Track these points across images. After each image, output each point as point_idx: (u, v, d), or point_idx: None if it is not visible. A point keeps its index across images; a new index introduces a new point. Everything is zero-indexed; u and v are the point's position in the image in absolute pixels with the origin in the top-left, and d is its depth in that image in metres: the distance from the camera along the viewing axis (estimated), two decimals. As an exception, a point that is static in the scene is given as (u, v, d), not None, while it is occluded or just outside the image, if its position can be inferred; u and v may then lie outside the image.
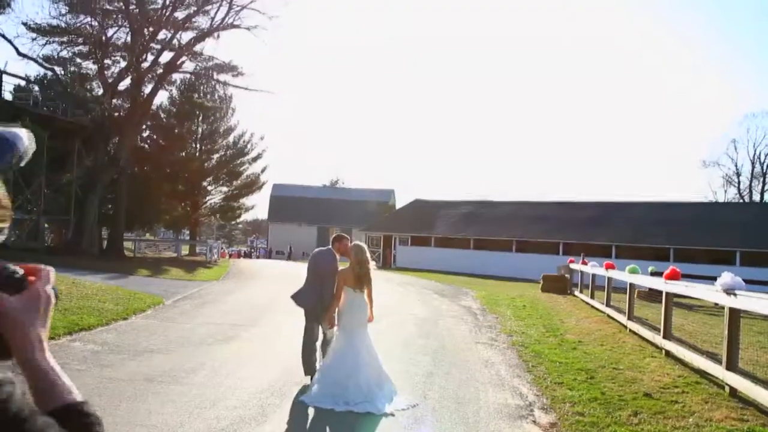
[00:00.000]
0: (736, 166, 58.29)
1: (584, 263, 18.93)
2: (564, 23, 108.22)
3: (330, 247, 7.51)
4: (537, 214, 38.38)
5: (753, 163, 57.21)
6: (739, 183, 58.22)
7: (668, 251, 31.96)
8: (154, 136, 42.83)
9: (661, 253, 31.54)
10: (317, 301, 7.26)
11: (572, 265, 21.36)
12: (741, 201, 54.77)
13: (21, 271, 0.81)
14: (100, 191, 30.81)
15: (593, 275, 17.12)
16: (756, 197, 56.00)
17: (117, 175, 31.89)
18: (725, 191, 59.06)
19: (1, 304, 0.77)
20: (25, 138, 0.85)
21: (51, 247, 29.63)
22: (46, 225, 31.28)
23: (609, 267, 15.03)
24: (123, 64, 33.38)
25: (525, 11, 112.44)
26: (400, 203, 56.56)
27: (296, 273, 8.53)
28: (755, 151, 57.20)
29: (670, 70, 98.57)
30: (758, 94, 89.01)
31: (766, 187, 56.90)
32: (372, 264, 7.03)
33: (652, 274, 15.61)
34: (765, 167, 56.78)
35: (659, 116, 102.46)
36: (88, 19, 31.68)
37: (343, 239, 7.49)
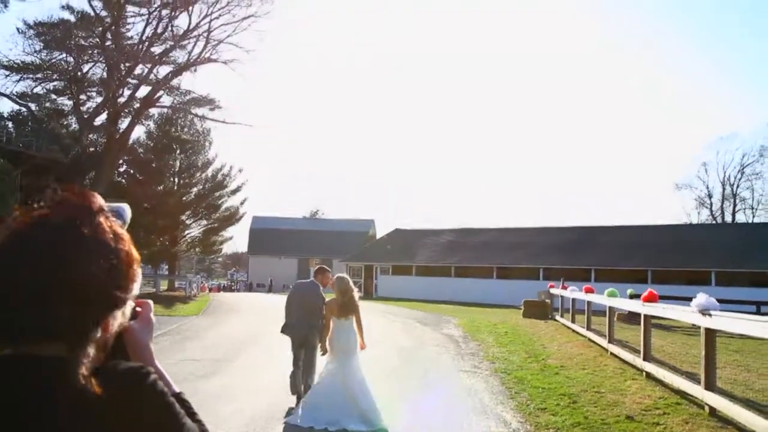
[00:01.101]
0: (707, 188, 59.54)
1: (564, 288, 19.06)
2: (540, 49, 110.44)
3: (313, 279, 7.93)
4: (517, 240, 38.69)
5: (723, 186, 58.50)
6: (711, 205, 59.40)
7: (646, 273, 32.33)
8: (131, 171, 42.54)
9: (639, 276, 31.89)
10: (308, 331, 7.60)
11: (552, 290, 21.50)
12: (714, 222, 55.79)
13: (133, 303, 1.12)
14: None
15: (573, 299, 17.25)
16: (728, 218, 57.10)
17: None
18: (698, 213, 60.24)
19: (127, 327, 1.11)
20: (127, 209, 1.22)
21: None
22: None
23: (588, 291, 15.16)
24: (99, 99, 33.38)
25: (493, 40, 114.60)
26: (380, 233, 56.61)
27: (277, 306, 8.48)
28: (725, 173, 58.52)
29: (641, 93, 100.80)
30: (726, 118, 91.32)
31: (737, 209, 58.15)
32: (356, 292, 7.37)
33: (631, 296, 15.78)
34: (735, 189, 58.06)
35: (631, 141, 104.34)
36: (63, 55, 31.70)
37: (326, 271, 8.01)
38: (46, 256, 0.96)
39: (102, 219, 1.03)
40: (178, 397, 1.08)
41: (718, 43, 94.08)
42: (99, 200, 1.05)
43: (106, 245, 1.01)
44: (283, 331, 7.96)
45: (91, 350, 0.99)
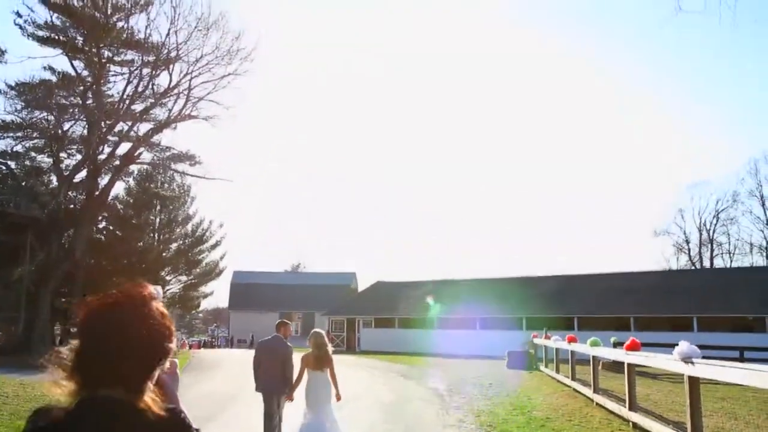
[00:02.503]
0: (685, 234, 60.38)
1: (547, 338, 19.00)
2: (517, 95, 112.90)
3: (276, 334, 8.27)
4: (498, 290, 38.63)
5: (700, 231, 59.40)
6: (689, 250, 60.14)
7: (629, 320, 32.38)
8: (111, 227, 42.28)
9: (622, 323, 31.92)
10: (283, 384, 7.88)
11: (536, 340, 21.42)
12: (693, 268, 56.34)
13: None
14: (53, 286, 29.91)
15: (557, 349, 17.17)
16: (706, 263, 57.73)
17: (72, 268, 31.10)
18: (677, 258, 60.86)
19: (162, 379, 1.50)
20: (161, 290, 1.58)
21: (-1, 346, 28.32)
22: (-6, 322, 30.06)
23: (571, 340, 15.11)
24: (79, 156, 33.34)
25: (463, 72, 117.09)
26: (362, 286, 56.31)
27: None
28: (701, 219, 59.50)
29: (616, 140, 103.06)
30: (697, 165, 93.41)
31: (714, 254, 58.89)
32: (329, 346, 7.84)
33: (615, 344, 15.75)
34: (711, 234, 58.93)
35: (608, 189, 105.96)
36: (44, 114, 31.79)
37: (287, 324, 8.50)
38: (116, 327, 1.36)
39: (153, 302, 1.45)
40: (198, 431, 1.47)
41: (685, 89, 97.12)
42: (151, 289, 1.47)
43: (157, 321, 1.42)
44: (258, 389, 8.14)
45: (145, 393, 1.38)
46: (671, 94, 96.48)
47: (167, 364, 1.48)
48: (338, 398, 7.62)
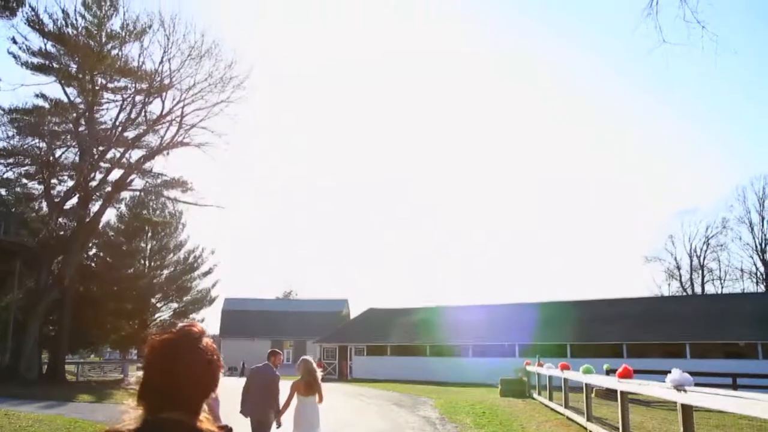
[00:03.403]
0: (675, 260, 60.53)
1: (540, 365, 18.92)
2: (508, 127, 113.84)
3: (267, 362, 8.66)
4: (491, 317, 38.56)
5: (690, 257, 59.62)
6: (680, 276, 60.24)
7: (621, 347, 32.33)
8: (101, 254, 41.99)
9: (615, 350, 31.86)
10: (268, 409, 8.24)
11: (528, 368, 21.32)
12: (684, 294, 56.43)
13: None
14: (41, 313, 29.58)
15: (550, 376, 17.10)
16: (697, 289, 57.86)
17: (61, 295, 30.80)
18: (669, 285, 60.92)
19: (207, 402, 1.65)
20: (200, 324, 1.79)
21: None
22: (-20, 351, 29.57)
23: (564, 368, 15.06)
24: (70, 183, 33.22)
25: (453, 105, 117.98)
26: (354, 312, 56.03)
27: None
28: (691, 245, 59.79)
29: (606, 167, 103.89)
30: (689, 191, 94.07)
31: (705, 280, 59.06)
32: (318, 371, 8.33)
33: (608, 371, 15.69)
34: (702, 260, 59.18)
35: (600, 215, 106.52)
36: (36, 140, 31.73)
37: (278, 354, 8.94)
38: (174, 361, 1.57)
39: (205, 338, 1.65)
40: None
41: (674, 117, 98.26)
42: (202, 327, 1.67)
43: (208, 354, 1.63)
44: (243, 411, 8.42)
45: (199, 414, 1.60)
46: (660, 121, 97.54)
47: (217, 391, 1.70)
48: (320, 401, 8.09)
